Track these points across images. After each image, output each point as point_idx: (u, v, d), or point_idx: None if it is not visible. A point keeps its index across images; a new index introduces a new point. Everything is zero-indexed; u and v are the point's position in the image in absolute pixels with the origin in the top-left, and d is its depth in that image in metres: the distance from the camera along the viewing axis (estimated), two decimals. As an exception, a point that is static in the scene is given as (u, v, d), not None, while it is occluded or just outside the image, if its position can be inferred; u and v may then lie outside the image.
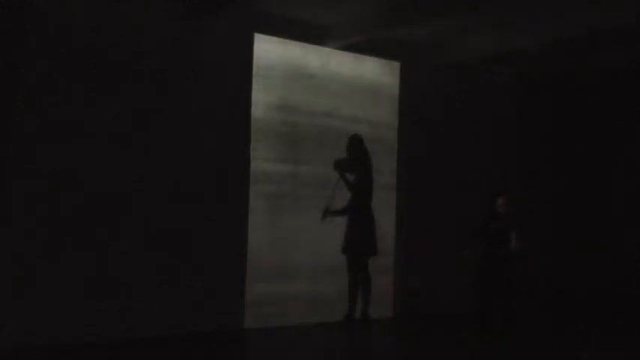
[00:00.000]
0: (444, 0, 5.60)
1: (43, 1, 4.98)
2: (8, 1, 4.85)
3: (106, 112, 5.23)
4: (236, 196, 5.88)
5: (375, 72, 7.08)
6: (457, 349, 5.63)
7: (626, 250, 8.00)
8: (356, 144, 6.25)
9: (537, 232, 8.07)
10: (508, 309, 6.21)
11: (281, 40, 6.32)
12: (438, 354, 5.47)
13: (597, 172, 8.36)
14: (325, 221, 6.17)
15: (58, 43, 5.03)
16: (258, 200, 6.17)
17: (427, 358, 5.38)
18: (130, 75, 5.34)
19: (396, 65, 7.17)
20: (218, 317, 5.73)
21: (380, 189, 6.51)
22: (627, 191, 8.12)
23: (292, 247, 6.43)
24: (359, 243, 6.17)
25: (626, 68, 7.64)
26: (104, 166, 5.22)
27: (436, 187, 7.37)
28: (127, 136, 5.33)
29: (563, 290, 8.34)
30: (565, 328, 6.75)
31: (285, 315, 6.25)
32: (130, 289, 5.30)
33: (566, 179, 8.56)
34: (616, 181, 8.23)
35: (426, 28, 6.46)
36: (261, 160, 6.21)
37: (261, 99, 6.17)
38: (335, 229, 6.26)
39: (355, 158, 6.22)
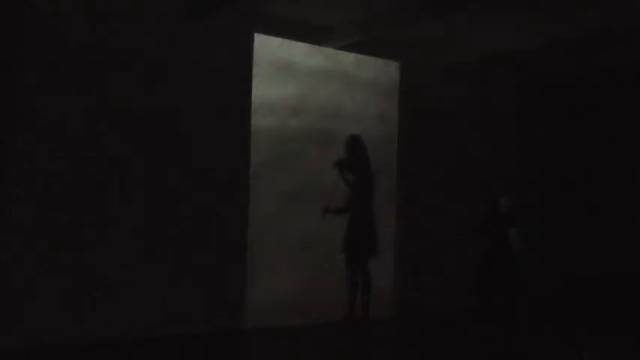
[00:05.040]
0: (444, 0, 5.60)
1: (43, 1, 4.98)
2: (8, 1, 4.85)
3: (106, 111, 5.23)
4: (236, 195, 5.88)
5: (375, 72, 7.09)
6: (457, 349, 5.63)
7: (627, 249, 8.00)
8: (354, 144, 6.25)
9: (537, 232, 8.07)
10: (509, 308, 6.22)
11: (281, 40, 6.34)
12: (438, 354, 5.48)
13: (598, 172, 8.36)
14: (325, 219, 6.18)
15: (57, 43, 5.02)
16: (261, 199, 6.20)
17: (427, 358, 5.39)
18: (129, 75, 5.34)
19: (396, 65, 7.18)
20: (218, 317, 5.73)
21: (380, 189, 6.51)
22: (628, 190, 8.13)
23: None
24: (359, 242, 6.17)
25: (627, 68, 7.64)
26: (104, 165, 5.22)
27: (436, 186, 7.38)
28: (127, 135, 5.33)
29: (563, 288, 8.34)
30: (566, 327, 6.75)
31: (285, 315, 6.26)
32: (129, 289, 5.30)
33: (566, 178, 8.56)
34: (617, 180, 8.23)
35: (426, 28, 6.46)
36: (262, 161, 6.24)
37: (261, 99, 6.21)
38: (336, 227, 6.27)
39: (354, 158, 6.23)
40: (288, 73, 6.47)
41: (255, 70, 6.05)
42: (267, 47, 6.29)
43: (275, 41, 6.34)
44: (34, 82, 4.94)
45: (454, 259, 7.26)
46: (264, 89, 6.27)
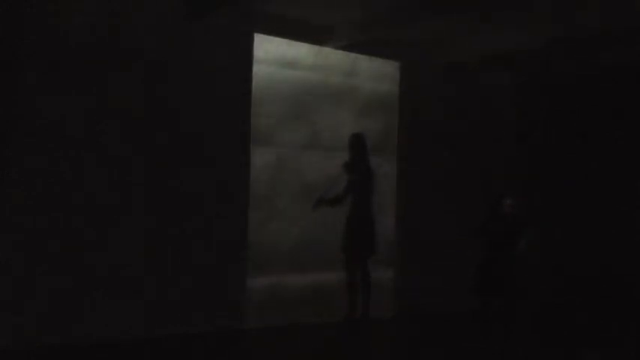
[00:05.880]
0: (444, 0, 5.60)
1: (43, 1, 4.98)
2: (8, 1, 4.85)
3: (106, 111, 5.23)
4: (236, 195, 5.88)
5: (374, 72, 7.09)
6: (457, 349, 5.63)
7: (627, 249, 8.00)
8: (356, 142, 6.26)
9: (537, 232, 8.06)
10: (509, 308, 6.20)
11: (281, 40, 6.34)
12: (438, 354, 5.48)
13: (598, 172, 8.36)
14: (317, 210, 6.16)
15: (57, 43, 5.02)
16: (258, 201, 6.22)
17: (427, 358, 5.39)
18: (129, 75, 5.33)
19: (396, 65, 7.18)
20: (218, 317, 5.73)
21: (380, 188, 6.51)
22: (628, 190, 8.12)
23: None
24: (358, 242, 6.17)
25: (627, 68, 7.64)
26: (104, 165, 5.22)
27: (436, 186, 7.38)
28: (127, 135, 5.32)
29: (563, 288, 8.34)
30: (566, 327, 6.75)
31: (285, 315, 6.27)
32: (129, 289, 5.30)
33: (566, 178, 8.56)
34: (617, 180, 8.23)
35: (426, 28, 6.46)
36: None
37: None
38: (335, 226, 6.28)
39: (356, 157, 6.23)
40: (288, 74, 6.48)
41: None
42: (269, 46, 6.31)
43: (275, 41, 6.35)
44: (34, 82, 4.94)
45: (454, 259, 7.25)
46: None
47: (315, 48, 6.61)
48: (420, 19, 5.92)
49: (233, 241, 5.85)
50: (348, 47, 6.64)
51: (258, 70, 6.13)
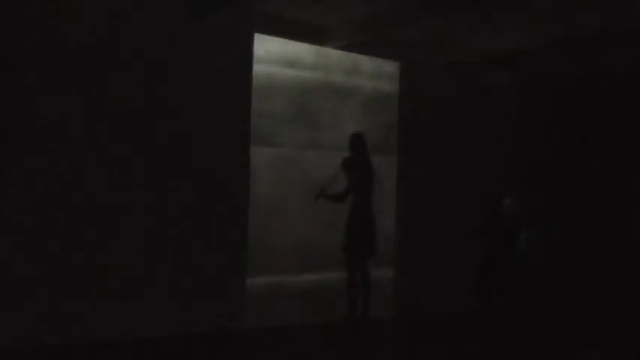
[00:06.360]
0: (444, 0, 5.60)
1: (43, 1, 4.98)
2: (8, 1, 4.85)
3: (106, 111, 5.23)
4: (236, 195, 5.88)
5: (375, 71, 7.09)
6: (457, 349, 5.63)
7: (627, 249, 8.00)
8: (356, 142, 6.26)
9: (537, 232, 8.05)
10: (509, 308, 6.21)
11: (281, 40, 6.34)
12: (438, 354, 5.48)
13: (598, 172, 8.36)
14: (317, 202, 6.17)
15: (57, 43, 5.02)
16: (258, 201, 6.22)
17: (427, 358, 5.39)
18: (129, 75, 5.33)
19: (396, 65, 7.18)
20: (218, 317, 5.73)
21: (379, 189, 6.50)
22: (628, 190, 8.12)
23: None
24: (358, 242, 6.17)
25: (627, 68, 7.64)
26: (104, 165, 5.22)
27: (436, 186, 7.37)
28: (127, 135, 5.32)
29: (563, 288, 8.34)
30: (566, 327, 6.75)
31: (285, 315, 6.27)
32: (129, 289, 5.30)
33: (566, 178, 8.56)
34: (617, 180, 8.22)
35: (426, 28, 6.46)
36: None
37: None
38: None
39: (357, 157, 6.23)
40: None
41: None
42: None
43: (276, 41, 6.36)
44: (34, 82, 4.94)
45: (454, 259, 7.25)
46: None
47: (316, 47, 6.61)
48: (420, 19, 5.92)
49: (233, 241, 5.85)
50: (348, 47, 6.65)
51: (258, 70, 6.13)
